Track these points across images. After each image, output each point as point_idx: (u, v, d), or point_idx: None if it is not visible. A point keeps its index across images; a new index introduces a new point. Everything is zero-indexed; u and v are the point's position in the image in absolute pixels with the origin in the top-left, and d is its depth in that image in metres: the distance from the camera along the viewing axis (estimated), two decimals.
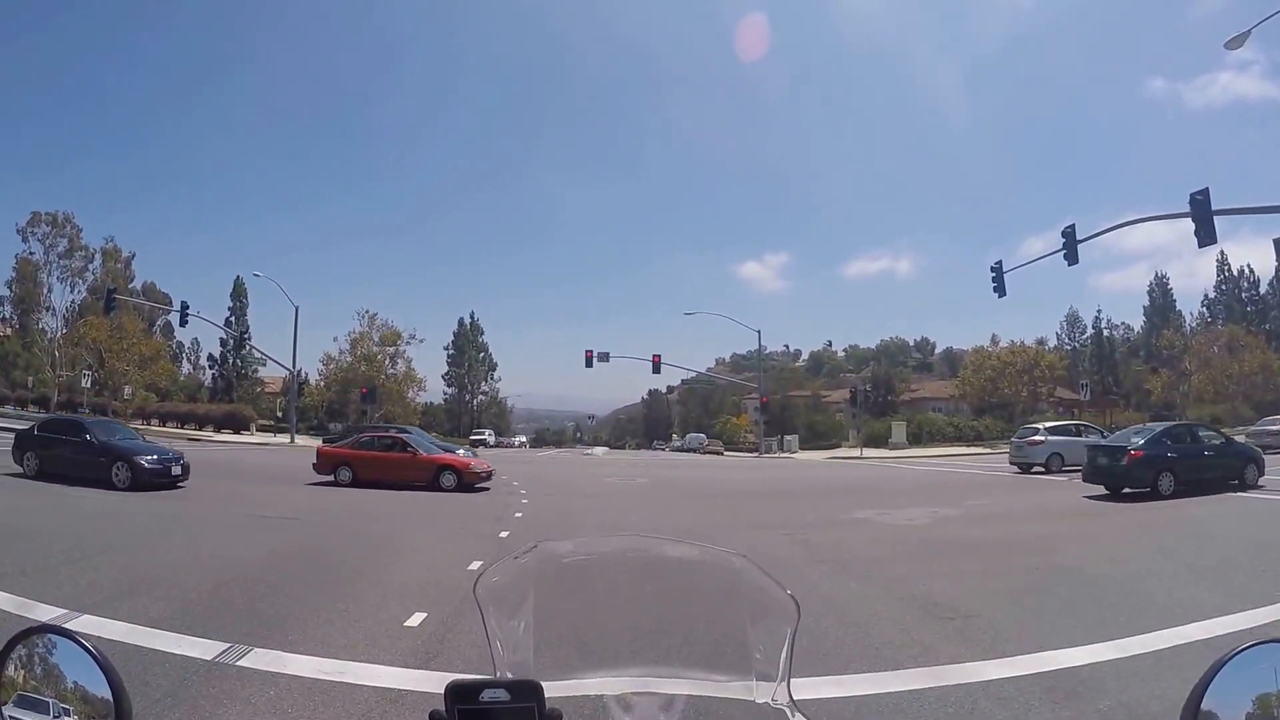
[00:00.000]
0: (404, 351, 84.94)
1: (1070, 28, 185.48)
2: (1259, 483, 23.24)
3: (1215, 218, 26.40)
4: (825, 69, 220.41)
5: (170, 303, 79.37)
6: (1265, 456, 25.51)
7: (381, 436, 30.35)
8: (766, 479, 36.32)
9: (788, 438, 77.45)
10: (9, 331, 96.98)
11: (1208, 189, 26.23)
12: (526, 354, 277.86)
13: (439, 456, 28.66)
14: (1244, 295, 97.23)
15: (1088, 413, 65.69)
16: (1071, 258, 32.94)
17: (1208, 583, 10.72)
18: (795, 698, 1.89)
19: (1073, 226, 32.95)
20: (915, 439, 71.05)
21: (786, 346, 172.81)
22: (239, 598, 9.45)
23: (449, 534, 16.65)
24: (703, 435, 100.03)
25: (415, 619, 8.47)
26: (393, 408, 79.59)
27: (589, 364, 64.64)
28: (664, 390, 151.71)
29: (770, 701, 1.87)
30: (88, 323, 74.22)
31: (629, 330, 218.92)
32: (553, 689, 1.57)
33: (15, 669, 1.55)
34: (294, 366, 64.23)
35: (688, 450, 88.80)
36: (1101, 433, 35.95)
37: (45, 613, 8.16)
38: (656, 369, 66.93)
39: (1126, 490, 22.77)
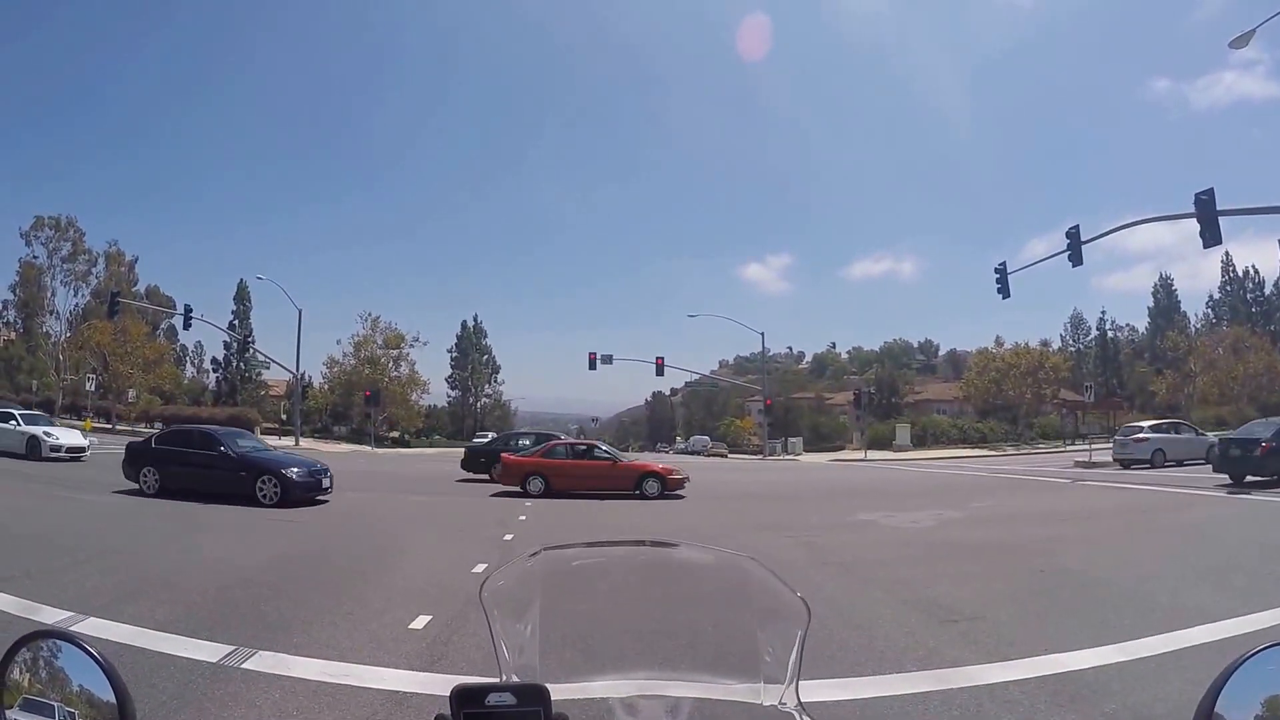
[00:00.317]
0: (407, 354, 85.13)
1: (1073, 29, 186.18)
2: None
3: (1220, 218, 26.37)
4: (827, 70, 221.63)
5: (174, 306, 79.55)
6: None
7: (574, 444, 30.12)
8: (770, 481, 36.35)
9: (792, 440, 77.54)
10: (13, 335, 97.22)
11: (1212, 189, 26.21)
12: (530, 356, 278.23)
13: (641, 463, 28.47)
14: (1249, 296, 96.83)
15: (1092, 415, 65.68)
16: (1076, 259, 32.87)
17: (1210, 585, 10.71)
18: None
19: (1077, 227, 32.92)
20: (919, 441, 71.10)
21: (790, 349, 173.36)
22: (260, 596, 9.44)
23: (452, 537, 16.67)
24: (706, 438, 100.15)
25: (420, 621, 8.44)
26: (396, 410, 79.73)
27: (592, 366, 64.68)
28: (667, 393, 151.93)
29: (778, 704, 1.86)
30: (91, 326, 74.29)
31: (632, 333, 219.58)
32: (558, 692, 1.58)
33: (20, 673, 1.55)
34: (298, 370, 64.33)
35: (692, 453, 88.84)
36: (1196, 430, 40.71)
37: (49, 614, 8.16)
38: (660, 371, 67.02)
39: (1250, 479, 24.91)
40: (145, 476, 21.72)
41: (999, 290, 37.85)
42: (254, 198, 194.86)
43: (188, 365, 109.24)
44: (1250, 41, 27.64)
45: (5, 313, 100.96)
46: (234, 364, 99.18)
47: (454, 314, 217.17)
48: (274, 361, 73.26)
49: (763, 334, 78.71)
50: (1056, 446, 67.00)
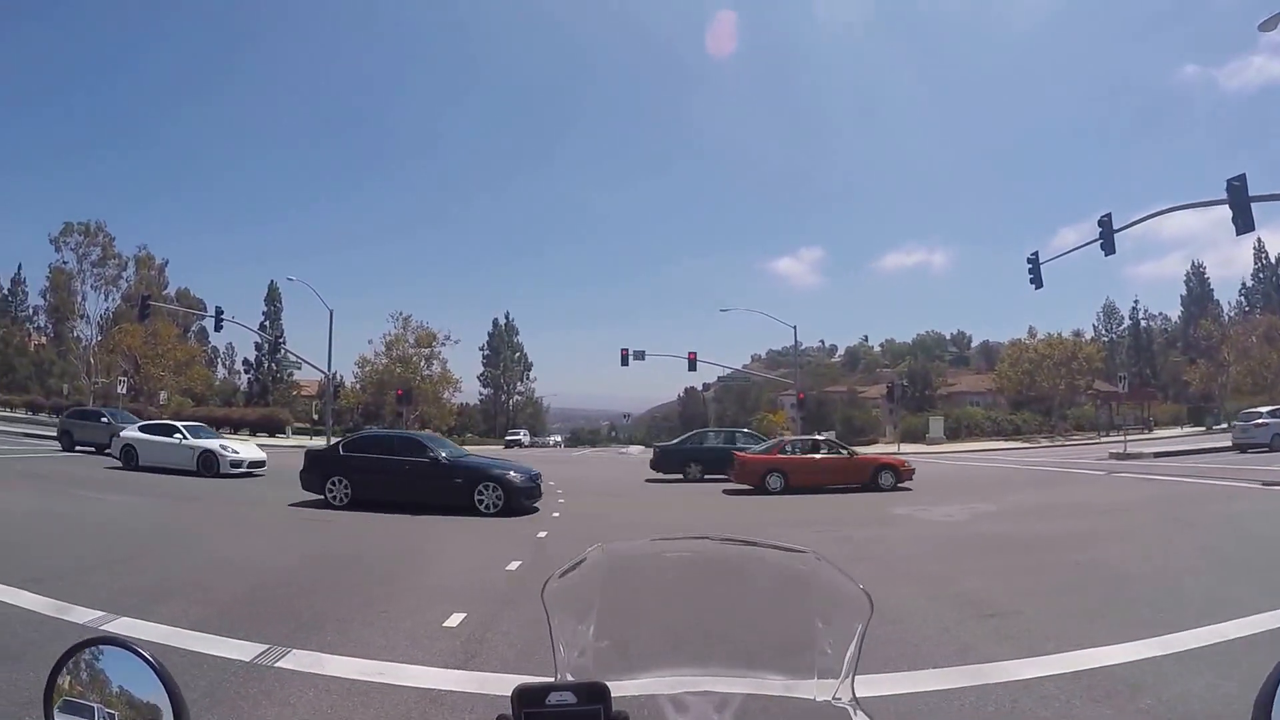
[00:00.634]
0: (439, 353, 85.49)
1: (1098, 16, 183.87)
2: None
3: (1252, 204, 26.05)
4: (855, 62, 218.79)
5: (204, 308, 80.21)
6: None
7: (806, 440, 30.75)
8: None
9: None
10: (44, 340, 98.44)
11: (1244, 175, 25.82)
12: (561, 353, 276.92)
13: (875, 457, 30.02)
14: None
15: (1126, 405, 65.05)
16: (1108, 247, 32.53)
17: (1247, 579, 10.65)
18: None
19: (1109, 215, 32.50)
20: (953, 434, 70.66)
21: (822, 342, 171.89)
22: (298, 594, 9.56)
23: (486, 534, 16.74)
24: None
25: (454, 619, 8.49)
26: (428, 409, 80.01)
27: (624, 362, 64.48)
28: (700, 388, 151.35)
29: (831, 700, 1.87)
30: (122, 329, 74.94)
31: (664, 328, 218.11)
32: (614, 689, 1.58)
33: (70, 679, 1.58)
34: (329, 369, 64.60)
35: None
36: None
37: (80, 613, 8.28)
38: (692, 366, 66.69)
39: None
40: (333, 487, 20.36)
41: (1031, 280, 37.53)
42: (281, 194, 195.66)
43: (219, 366, 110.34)
44: None
45: (36, 318, 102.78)
46: (265, 365, 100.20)
47: (483, 310, 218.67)
48: (305, 362, 73.52)
49: (795, 327, 77.54)
50: (1091, 438, 66.43)
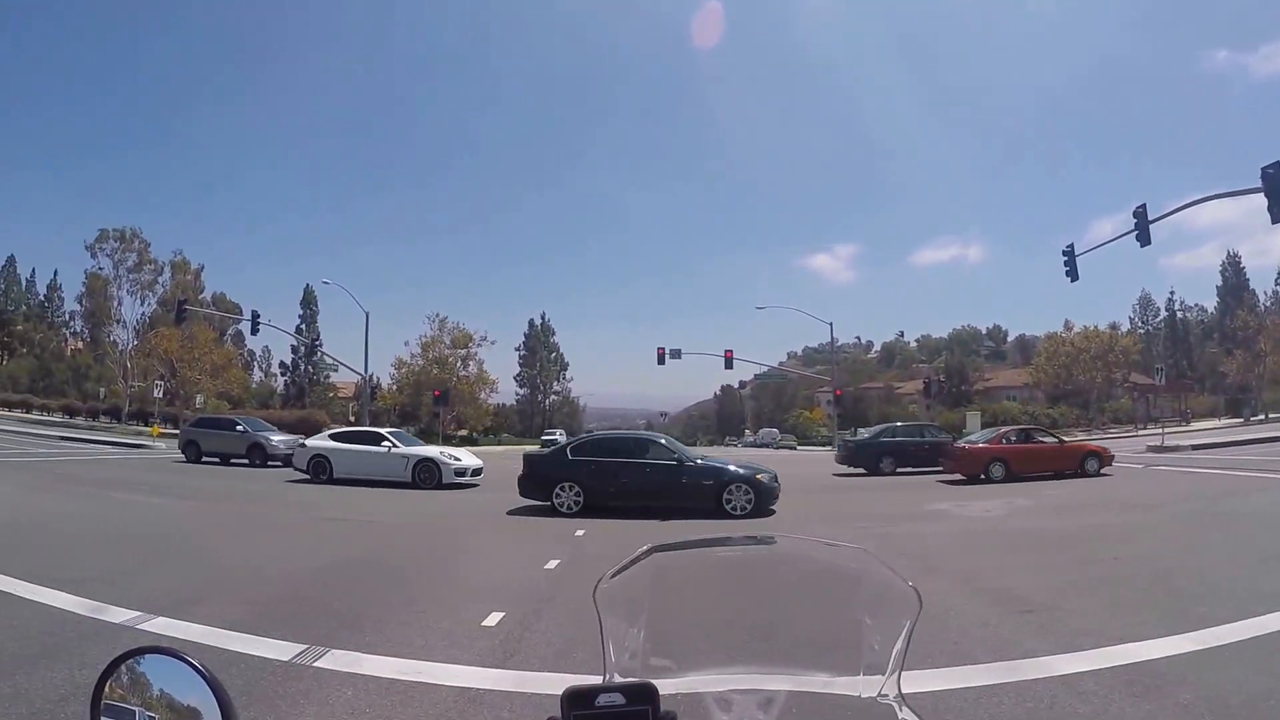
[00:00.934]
0: (475, 353, 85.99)
1: (1129, 2, 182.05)
2: None
3: None
4: (889, 56, 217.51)
5: (240, 312, 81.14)
6: None
7: (1020, 429, 32.83)
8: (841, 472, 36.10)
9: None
10: (80, 345, 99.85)
11: (1279, 162, 25.58)
12: (597, 352, 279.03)
13: (1082, 444, 32.26)
14: None
15: (1163, 397, 64.45)
16: (1143, 238, 32.28)
17: None
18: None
19: (1144, 206, 32.28)
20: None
21: (858, 338, 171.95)
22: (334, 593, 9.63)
23: (524, 533, 16.81)
24: (775, 430, 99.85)
25: (493, 618, 8.45)
26: (465, 409, 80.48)
27: (661, 361, 64.56)
28: (736, 386, 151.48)
29: (877, 696, 1.86)
30: (159, 334, 76.25)
31: (700, 326, 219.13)
32: (661, 689, 1.56)
33: (118, 688, 1.57)
34: (365, 371, 65.04)
35: (760, 445, 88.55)
36: None
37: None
38: (729, 364, 66.79)
39: None
40: (560, 494, 19.40)
41: (1067, 273, 37.32)
42: (316, 195, 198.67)
43: (255, 369, 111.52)
44: None
45: (72, 323, 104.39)
46: (301, 367, 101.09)
47: (516, 308, 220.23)
48: (342, 364, 73.98)
49: (831, 324, 77.97)
50: (1128, 431, 65.76)
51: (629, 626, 1.98)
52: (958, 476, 28.15)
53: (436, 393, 68.36)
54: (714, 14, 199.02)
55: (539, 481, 20.00)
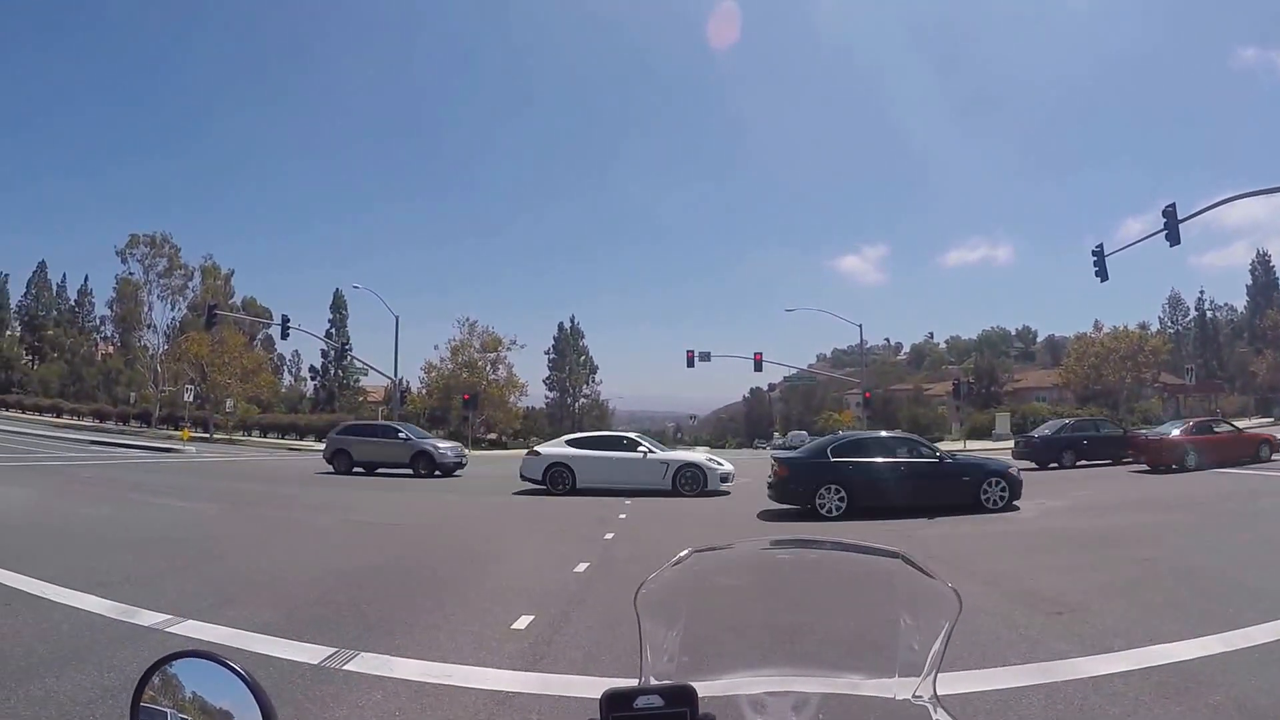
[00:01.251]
0: (504, 357, 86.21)
1: (1153, 1, 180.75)
2: None
3: None
4: (915, 58, 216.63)
5: (270, 316, 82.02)
6: None
7: (1204, 421, 34.59)
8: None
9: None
10: (111, 350, 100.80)
11: None
12: (626, 355, 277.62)
13: (1259, 433, 33.27)
14: None
15: (1193, 397, 63.94)
16: (1173, 238, 32.09)
17: None
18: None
19: (1173, 205, 32.10)
20: (1019, 430, 69.67)
21: (887, 340, 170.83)
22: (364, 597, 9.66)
23: (554, 536, 16.80)
24: (804, 433, 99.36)
25: (522, 621, 8.44)
26: (494, 413, 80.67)
27: (690, 364, 64.38)
28: (765, 388, 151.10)
29: (911, 698, 1.85)
30: (189, 338, 76.50)
31: (729, 329, 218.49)
32: (699, 691, 1.57)
33: (155, 691, 1.57)
34: (395, 375, 65.35)
35: (789, 448, 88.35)
36: None
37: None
38: (758, 367, 66.45)
39: None
40: (824, 496, 18.93)
41: (1097, 273, 37.13)
42: (345, 198, 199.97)
43: (285, 374, 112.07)
44: None
45: (103, 328, 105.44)
46: (331, 371, 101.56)
47: (546, 311, 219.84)
48: (372, 368, 74.37)
49: (860, 326, 77.30)
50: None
51: (667, 630, 1.98)
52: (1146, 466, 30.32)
53: (466, 396, 68.48)
54: (735, 16, 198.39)
55: (799, 485, 19.59)
